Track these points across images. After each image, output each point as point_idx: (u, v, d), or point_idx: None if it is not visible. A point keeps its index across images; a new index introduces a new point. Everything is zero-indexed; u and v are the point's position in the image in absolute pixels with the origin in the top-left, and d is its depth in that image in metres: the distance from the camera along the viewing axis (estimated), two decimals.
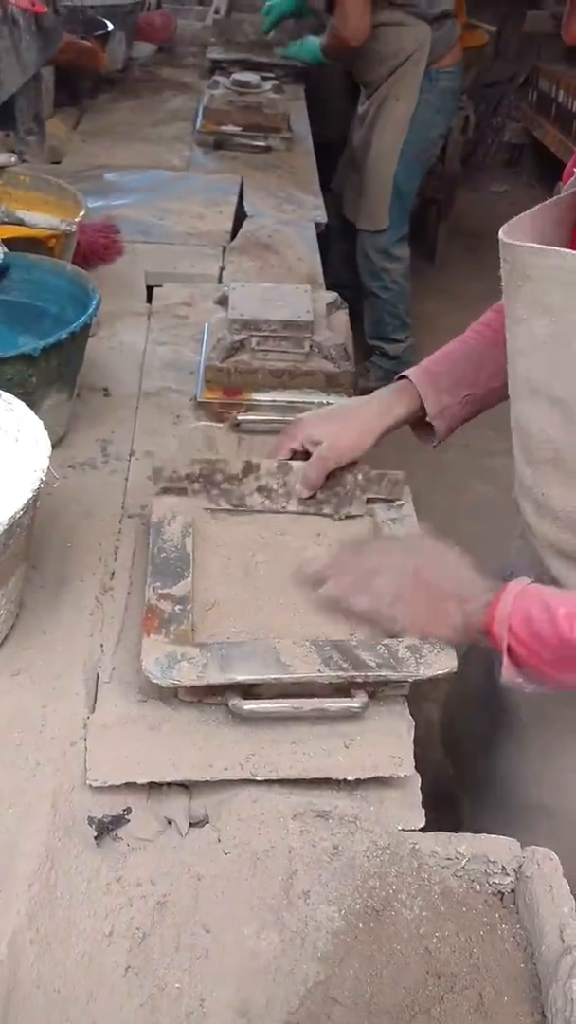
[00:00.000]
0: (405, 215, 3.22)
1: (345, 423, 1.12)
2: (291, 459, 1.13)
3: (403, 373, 1.15)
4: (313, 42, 2.97)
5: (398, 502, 1.13)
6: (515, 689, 0.89)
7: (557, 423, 0.86)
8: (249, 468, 1.11)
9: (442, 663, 0.90)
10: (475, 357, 1.12)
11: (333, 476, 1.12)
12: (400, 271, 3.26)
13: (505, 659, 0.86)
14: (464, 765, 1.30)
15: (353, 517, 1.13)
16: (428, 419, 1.12)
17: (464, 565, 0.94)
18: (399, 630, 0.92)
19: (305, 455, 1.13)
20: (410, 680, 0.91)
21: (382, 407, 1.13)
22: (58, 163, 2.26)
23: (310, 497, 1.12)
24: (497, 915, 0.80)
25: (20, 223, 1.39)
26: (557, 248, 0.79)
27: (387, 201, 3.12)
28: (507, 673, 0.87)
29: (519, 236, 0.85)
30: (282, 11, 3.14)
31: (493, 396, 1.13)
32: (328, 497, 1.13)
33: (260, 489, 1.12)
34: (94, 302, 1.23)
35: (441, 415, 1.12)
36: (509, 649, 0.86)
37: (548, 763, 1.08)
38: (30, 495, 0.86)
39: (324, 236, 2.08)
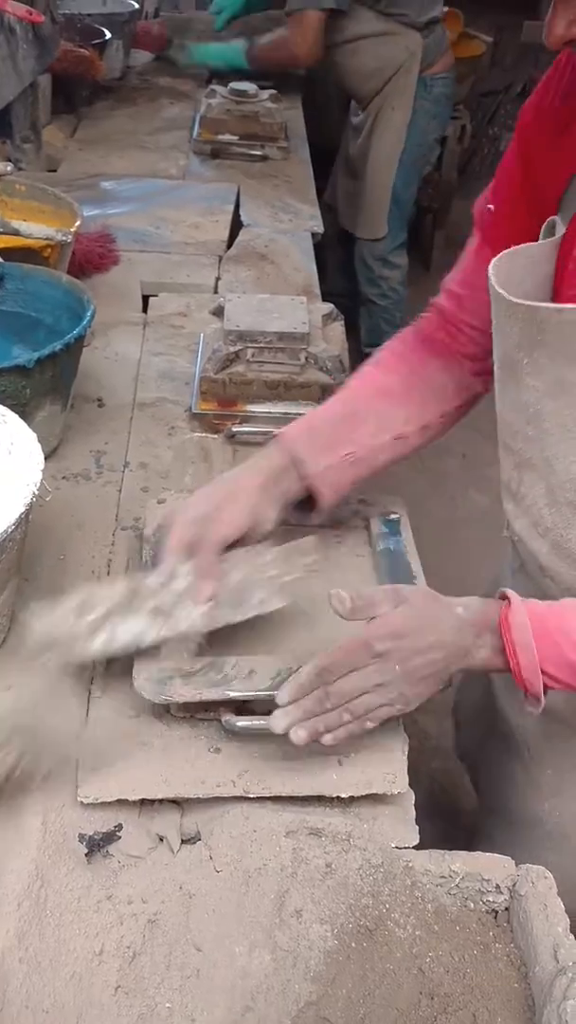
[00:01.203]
0: (403, 223, 3.23)
1: (223, 498, 0.97)
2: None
3: (274, 433, 1.04)
4: (223, 49, 2.91)
5: (393, 515, 1.13)
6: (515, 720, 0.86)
7: None
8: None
9: None
10: (351, 414, 1.04)
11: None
12: (398, 278, 3.26)
13: (542, 701, 0.84)
14: (475, 782, 1.30)
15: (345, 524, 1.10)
16: (308, 480, 1.00)
17: (437, 622, 0.84)
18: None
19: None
20: None
21: (265, 475, 0.99)
22: (54, 171, 2.25)
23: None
24: (491, 934, 0.80)
25: (15, 233, 1.39)
26: (573, 306, 0.80)
27: (386, 209, 3.12)
28: (536, 708, 0.85)
29: (506, 274, 0.84)
30: (234, 11, 3.13)
31: (379, 456, 1.03)
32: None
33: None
34: (89, 313, 1.22)
35: (322, 477, 1.00)
36: (545, 688, 0.84)
37: (554, 790, 1.07)
38: (22, 509, 0.86)
39: (319, 245, 2.08)
